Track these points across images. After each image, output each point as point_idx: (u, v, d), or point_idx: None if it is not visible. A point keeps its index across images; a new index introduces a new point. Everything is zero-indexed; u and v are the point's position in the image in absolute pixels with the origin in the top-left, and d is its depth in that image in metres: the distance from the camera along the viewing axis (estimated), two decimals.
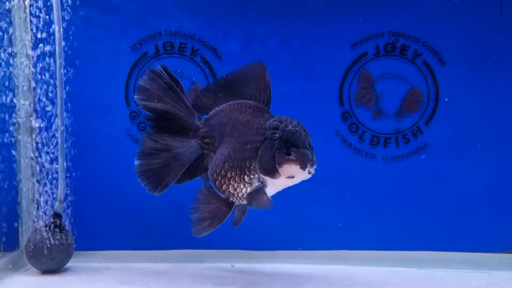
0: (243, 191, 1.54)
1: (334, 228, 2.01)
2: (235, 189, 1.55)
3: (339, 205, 2.00)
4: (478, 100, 1.94)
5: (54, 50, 1.91)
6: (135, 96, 1.69)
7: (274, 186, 1.50)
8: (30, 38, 1.96)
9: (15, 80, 1.96)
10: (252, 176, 1.50)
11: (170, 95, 1.67)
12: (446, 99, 1.94)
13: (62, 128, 1.93)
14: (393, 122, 1.98)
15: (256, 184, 1.50)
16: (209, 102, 1.68)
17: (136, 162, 1.67)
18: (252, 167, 1.49)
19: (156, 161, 1.66)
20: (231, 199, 1.58)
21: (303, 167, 1.41)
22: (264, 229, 2.01)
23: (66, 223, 1.95)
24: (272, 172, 1.44)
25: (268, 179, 1.47)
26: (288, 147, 1.42)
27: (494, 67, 1.93)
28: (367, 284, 1.75)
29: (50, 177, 1.97)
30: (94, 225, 2.04)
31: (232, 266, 1.89)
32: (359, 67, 1.97)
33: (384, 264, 1.96)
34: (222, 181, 1.56)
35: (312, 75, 1.98)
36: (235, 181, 1.53)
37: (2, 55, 1.90)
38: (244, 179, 1.52)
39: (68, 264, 1.95)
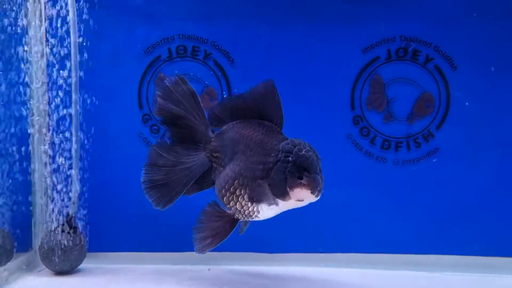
0: (250, 209, 1.56)
1: (343, 231, 2.02)
2: (242, 207, 1.57)
3: (349, 208, 2.01)
4: (489, 105, 1.94)
5: (69, 51, 1.94)
6: (156, 93, 1.70)
7: (281, 207, 1.53)
8: (44, 38, 1.99)
9: (29, 79, 1.98)
10: None
11: (190, 102, 1.69)
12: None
13: (76, 130, 1.96)
14: (404, 126, 1.98)
15: (264, 204, 1.53)
16: (223, 116, 1.69)
17: (143, 177, 1.70)
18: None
19: (163, 176, 1.68)
20: (237, 215, 1.60)
21: (313, 192, 1.44)
22: (273, 232, 2.02)
23: (79, 225, 1.97)
24: (283, 194, 1.47)
25: (279, 201, 1.50)
26: (301, 171, 1.44)
27: (505, 72, 1.93)
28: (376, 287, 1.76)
29: (64, 178, 1.99)
30: (107, 227, 2.06)
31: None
32: (370, 72, 1.98)
33: (394, 267, 1.96)
34: (230, 198, 1.58)
35: (324, 79, 1.99)
36: (243, 199, 1.55)
37: (19, 52, 1.93)
38: (252, 198, 1.54)
39: (81, 265, 1.97)
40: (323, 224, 2.02)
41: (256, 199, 1.53)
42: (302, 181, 1.44)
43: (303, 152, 1.46)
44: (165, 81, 1.69)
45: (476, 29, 1.94)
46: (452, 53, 1.94)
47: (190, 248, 2.01)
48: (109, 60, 2.03)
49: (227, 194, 1.59)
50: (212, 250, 2.00)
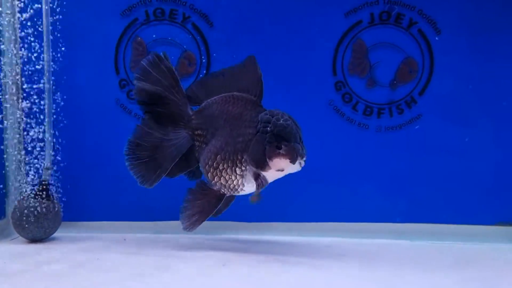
0: (234, 182, 1.56)
1: (326, 200, 1.98)
2: (227, 181, 1.57)
3: (332, 176, 1.98)
4: (473, 70, 1.91)
5: (41, 13, 1.88)
6: (135, 75, 1.68)
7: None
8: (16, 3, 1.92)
9: (2, 44, 1.91)
10: (243, 168, 1.53)
11: (168, 80, 1.66)
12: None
13: (50, 95, 1.90)
14: (387, 92, 1.94)
15: (248, 176, 1.53)
16: (201, 94, 1.69)
17: (127, 154, 1.67)
18: (243, 160, 1.52)
19: (147, 154, 1.67)
20: (223, 190, 1.60)
21: (292, 161, 1.45)
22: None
23: (54, 192, 1.92)
24: (263, 165, 1.47)
25: (260, 172, 1.50)
26: (279, 141, 1.45)
27: (489, 36, 1.90)
28: (359, 256, 1.73)
29: (37, 145, 1.94)
30: (83, 195, 2.01)
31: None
32: (353, 36, 1.93)
33: (376, 236, 1.94)
34: (214, 173, 1.58)
35: (305, 44, 1.94)
36: (227, 173, 1.56)
37: None
38: (235, 171, 1.54)
39: (56, 234, 1.93)
40: (305, 192, 1.98)
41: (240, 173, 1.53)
42: (281, 150, 1.44)
43: (281, 121, 1.46)
44: (142, 61, 1.67)
45: None
46: (436, 16, 1.90)
47: (167, 218, 2.01)
48: (85, 24, 1.96)
49: (211, 170, 1.58)
50: None
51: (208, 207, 1.61)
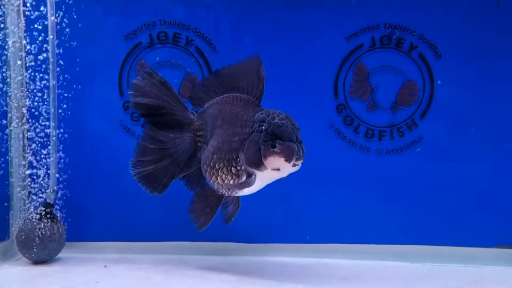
0: (231, 182, 1.54)
1: (327, 222, 1.99)
2: (223, 181, 1.56)
3: (333, 198, 1.99)
4: (473, 93, 1.92)
5: (47, 38, 1.91)
6: (129, 93, 1.71)
7: (261, 178, 1.50)
8: (23, 23, 1.95)
9: (6, 69, 1.94)
10: (239, 168, 1.51)
11: (162, 91, 1.69)
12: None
13: (55, 117, 1.93)
14: (388, 115, 1.96)
15: (243, 176, 1.50)
16: (205, 95, 1.70)
17: (132, 168, 1.70)
18: (239, 159, 1.50)
19: (152, 165, 1.69)
20: (220, 190, 1.60)
21: (288, 160, 1.41)
22: (258, 223, 2.00)
23: (58, 213, 1.94)
24: (258, 164, 1.45)
25: (255, 172, 1.48)
26: (273, 139, 1.42)
27: (489, 61, 1.91)
28: (360, 278, 1.74)
29: (42, 166, 1.96)
30: (87, 216, 2.03)
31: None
32: (354, 59, 1.95)
33: (377, 257, 1.95)
34: (211, 173, 1.58)
35: (307, 67, 1.96)
36: (223, 173, 1.54)
37: None
38: (231, 170, 1.52)
39: (60, 255, 1.94)
40: (305, 214, 2.00)
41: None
42: (275, 149, 1.41)
43: (276, 120, 1.44)
44: (133, 79, 1.71)
45: (460, 17, 1.91)
46: (437, 41, 1.92)
47: (172, 238, 2.02)
48: (90, 46, 1.99)
49: (209, 169, 1.58)
50: (196, 241, 2.01)
51: (210, 208, 1.62)
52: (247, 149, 1.46)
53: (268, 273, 1.78)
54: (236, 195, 1.62)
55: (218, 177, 1.56)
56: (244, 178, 1.50)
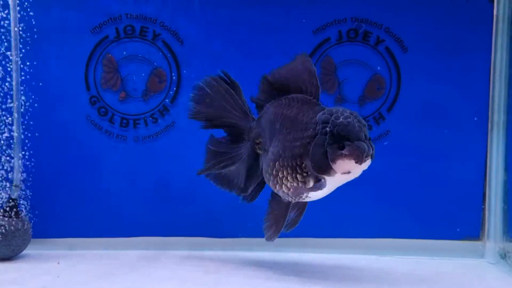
0: (298, 191, 1.43)
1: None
2: (289, 189, 1.45)
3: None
4: (439, 87, 1.93)
5: (10, 31, 1.88)
6: (191, 95, 1.69)
7: (331, 183, 1.39)
8: None
9: None
10: (305, 174, 1.39)
11: (225, 99, 1.65)
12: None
13: (19, 111, 1.90)
14: (355, 108, 1.96)
15: (310, 182, 1.40)
16: (263, 101, 1.63)
17: (211, 175, 1.73)
18: (304, 165, 1.39)
19: (225, 171, 1.69)
20: (287, 198, 1.51)
21: (359, 162, 1.30)
22: None
23: (23, 209, 1.91)
24: (326, 169, 1.33)
25: (324, 176, 1.37)
26: (341, 141, 1.30)
27: (456, 54, 1.93)
28: (327, 271, 1.75)
29: (5, 161, 1.93)
30: (52, 212, 2.00)
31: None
32: (321, 53, 1.95)
33: (346, 251, 1.96)
34: (275, 182, 1.48)
35: (274, 60, 1.94)
36: (288, 181, 1.43)
37: None
38: (296, 178, 1.41)
39: (25, 251, 1.91)
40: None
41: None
42: (344, 151, 1.29)
43: (341, 119, 1.32)
44: (200, 82, 1.68)
45: (427, 11, 1.93)
46: (403, 35, 1.93)
47: (137, 234, 2.01)
48: (55, 40, 1.96)
49: (271, 178, 1.48)
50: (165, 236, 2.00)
51: (279, 217, 1.55)
52: (313, 154, 1.34)
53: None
54: (304, 201, 1.53)
55: (283, 185, 1.45)
56: (311, 184, 1.39)
